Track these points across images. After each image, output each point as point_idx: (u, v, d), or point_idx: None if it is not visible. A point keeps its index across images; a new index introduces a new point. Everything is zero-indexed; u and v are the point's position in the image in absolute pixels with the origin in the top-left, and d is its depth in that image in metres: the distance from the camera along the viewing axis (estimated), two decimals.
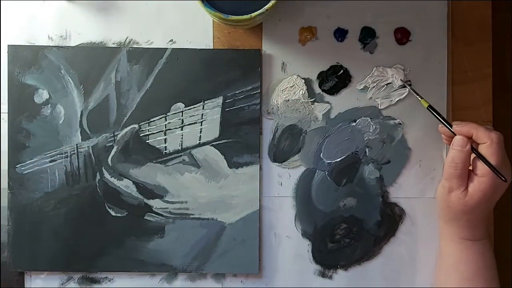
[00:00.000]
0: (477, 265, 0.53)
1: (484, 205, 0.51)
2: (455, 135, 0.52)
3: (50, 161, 0.58)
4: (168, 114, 0.58)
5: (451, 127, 0.52)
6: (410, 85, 0.57)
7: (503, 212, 0.61)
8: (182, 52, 0.58)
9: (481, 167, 0.50)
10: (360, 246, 0.59)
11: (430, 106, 0.55)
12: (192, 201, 0.58)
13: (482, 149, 0.50)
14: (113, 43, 0.59)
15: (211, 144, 0.58)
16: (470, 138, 0.51)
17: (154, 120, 0.58)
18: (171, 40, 0.59)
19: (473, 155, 0.51)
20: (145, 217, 0.58)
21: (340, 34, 0.59)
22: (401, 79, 0.57)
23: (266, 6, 0.51)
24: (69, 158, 0.58)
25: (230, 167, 0.58)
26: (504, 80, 0.62)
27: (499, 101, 0.60)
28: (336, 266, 0.59)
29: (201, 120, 0.58)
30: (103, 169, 0.58)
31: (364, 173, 0.59)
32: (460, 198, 0.51)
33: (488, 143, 0.50)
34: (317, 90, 0.59)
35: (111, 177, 0.58)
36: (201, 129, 0.58)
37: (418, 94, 0.56)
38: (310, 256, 0.59)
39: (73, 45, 0.59)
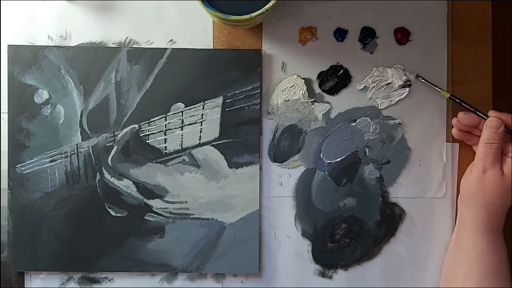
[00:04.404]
0: (500, 258, 0.54)
1: None
2: (485, 119, 0.54)
3: (50, 161, 0.58)
4: (168, 114, 0.58)
5: (482, 114, 0.55)
6: (424, 79, 0.58)
7: None
8: (182, 52, 0.58)
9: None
10: (360, 246, 0.59)
11: (452, 95, 0.57)
12: (192, 201, 0.58)
13: None
14: (113, 43, 0.59)
15: (211, 144, 0.58)
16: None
17: (154, 120, 0.58)
18: (171, 40, 0.59)
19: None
20: (145, 217, 0.58)
21: (340, 34, 0.59)
22: (415, 76, 0.58)
23: (266, 6, 0.51)
24: (69, 158, 0.58)
25: (230, 167, 0.58)
26: (504, 80, 0.62)
27: (499, 101, 0.60)
28: (336, 266, 0.59)
29: (201, 120, 0.58)
30: (103, 169, 0.58)
31: (364, 173, 0.59)
32: (496, 178, 0.53)
33: None
34: (317, 90, 0.59)
35: (111, 177, 0.58)
36: (201, 129, 0.58)
37: (436, 86, 0.57)
38: (310, 256, 0.59)
39: (73, 45, 0.59)
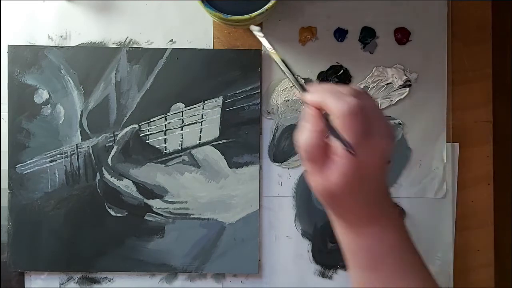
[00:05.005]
0: (376, 252, 0.42)
1: (356, 189, 0.39)
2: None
3: (50, 161, 0.58)
4: (168, 114, 0.58)
5: (305, 91, 0.41)
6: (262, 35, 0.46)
7: (503, 214, 0.61)
8: (182, 52, 0.58)
9: (339, 146, 0.38)
10: None
11: (283, 60, 0.43)
12: (192, 201, 0.58)
13: (335, 123, 0.38)
14: (113, 43, 0.59)
15: (211, 144, 0.58)
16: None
17: (154, 120, 0.58)
18: (171, 40, 0.59)
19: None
20: (145, 217, 0.58)
21: (340, 34, 0.59)
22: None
23: (266, 6, 0.51)
24: (69, 158, 0.58)
25: (230, 167, 0.58)
26: (504, 80, 0.62)
27: (499, 101, 0.60)
28: (336, 266, 0.59)
29: (201, 120, 0.58)
30: (103, 169, 0.58)
31: None
32: (318, 185, 0.40)
33: (337, 116, 0.38)
34: None
35: (111, 177, 0.58)
36: (201, 129, 0.58)
37: (272, 46, 0.45)
38: (310, 256, 0.59)
39: (73, 45, 0.59)
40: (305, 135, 0.39)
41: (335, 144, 0.38)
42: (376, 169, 0.39)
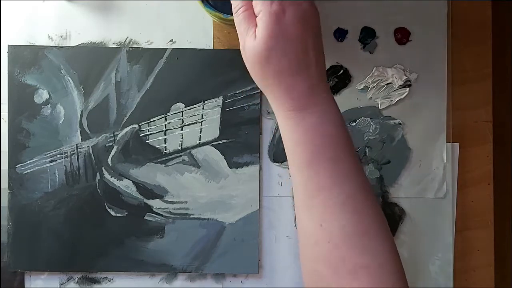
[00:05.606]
0: (315, 142, 0.43)
1: (282, 48, 0.42)
2: None
3: (50, 161, 0.58)
4: (168, 114, 0.58)
5: None
6: None
7: (503, 214, 0.61)
8: (182, 52, 0.58)
9: (256, 4, 0.43)
10: None
11: None
12: (192, 201, 0.58)
13: None
14: (113, 43, 0.59)
15: (211, 144, 0.58)
16: None
17: (154, 120, 0.58)
18: (171, 40, 0.59)
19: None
20: (145, 217, 0.58)
21: (340, 34, 0.59)
22: None
23: None
24: (69, 158, 0.58)
25: (230, 167, 0.58)
26: (504, 80, 0.62)
27: (499, 101, 0.60)
28: None
29: (201, 120, 0.58)
30: (103, 169, 0.58)
31: None
32: (249, 46, 0.43)
33: None
34: None
35: (111, 177, 0.58)
36: (201, 129, 0.58)
37: None
38: None
39: (73, 45, 0.59)
40: (234, 1, 0.45)
41: (257, 7, 0.42)
42: (299, 31, 0.43)
